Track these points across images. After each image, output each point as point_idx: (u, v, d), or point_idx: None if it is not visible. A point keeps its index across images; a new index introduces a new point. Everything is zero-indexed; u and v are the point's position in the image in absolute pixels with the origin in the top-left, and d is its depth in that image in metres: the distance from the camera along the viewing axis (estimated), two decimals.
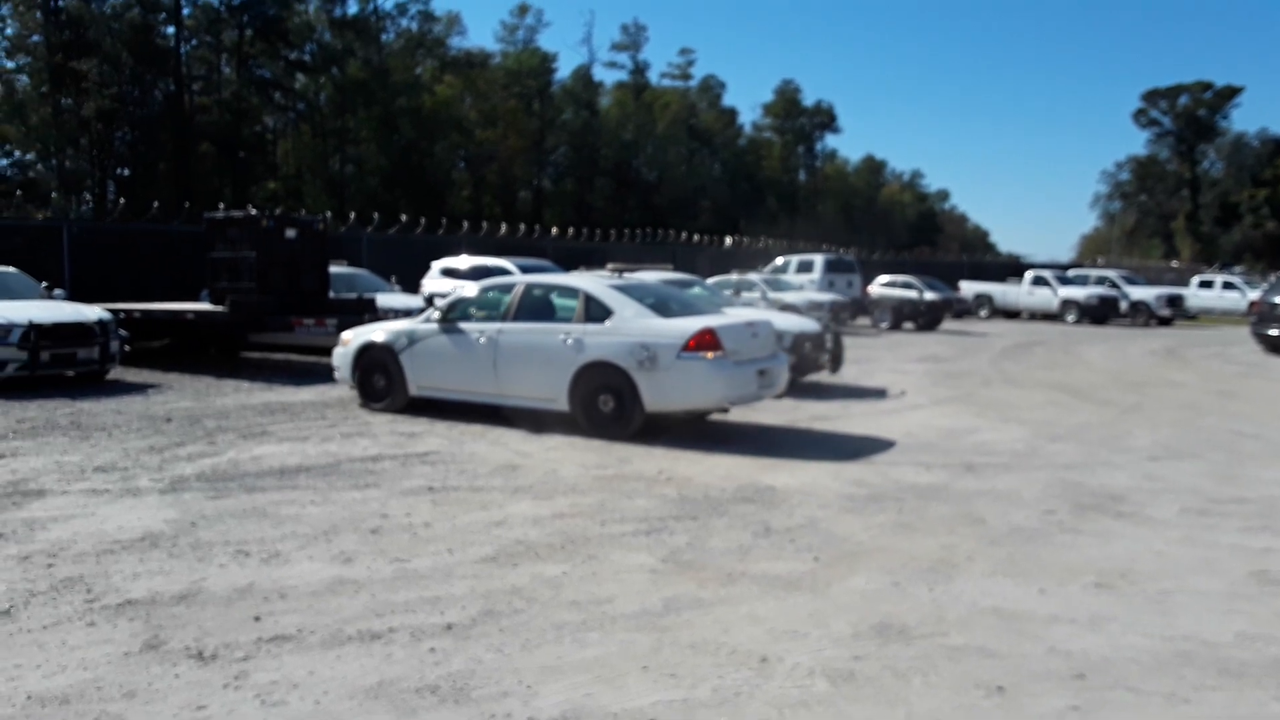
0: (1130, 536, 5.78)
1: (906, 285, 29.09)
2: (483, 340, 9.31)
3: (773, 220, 73.83)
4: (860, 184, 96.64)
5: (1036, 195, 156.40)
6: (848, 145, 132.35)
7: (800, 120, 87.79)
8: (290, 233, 14.14)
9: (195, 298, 16.32)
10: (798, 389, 12.26)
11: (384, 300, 15.13)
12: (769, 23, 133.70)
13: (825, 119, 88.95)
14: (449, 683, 3.66)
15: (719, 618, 4.38)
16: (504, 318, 9.38)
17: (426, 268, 20.51)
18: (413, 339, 9.78)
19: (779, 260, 30.58)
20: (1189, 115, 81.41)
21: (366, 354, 10.08)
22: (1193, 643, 4.14)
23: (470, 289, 10.21)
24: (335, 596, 4.59)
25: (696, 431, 9.12)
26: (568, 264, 22.70)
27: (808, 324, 13.18)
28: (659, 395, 8.52)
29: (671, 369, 8.37)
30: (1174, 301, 33.02)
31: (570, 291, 9.33)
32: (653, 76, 78.59)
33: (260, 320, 13.88)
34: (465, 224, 33.73)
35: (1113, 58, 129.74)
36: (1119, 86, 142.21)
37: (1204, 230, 78.09)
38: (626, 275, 13.86)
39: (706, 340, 8.43)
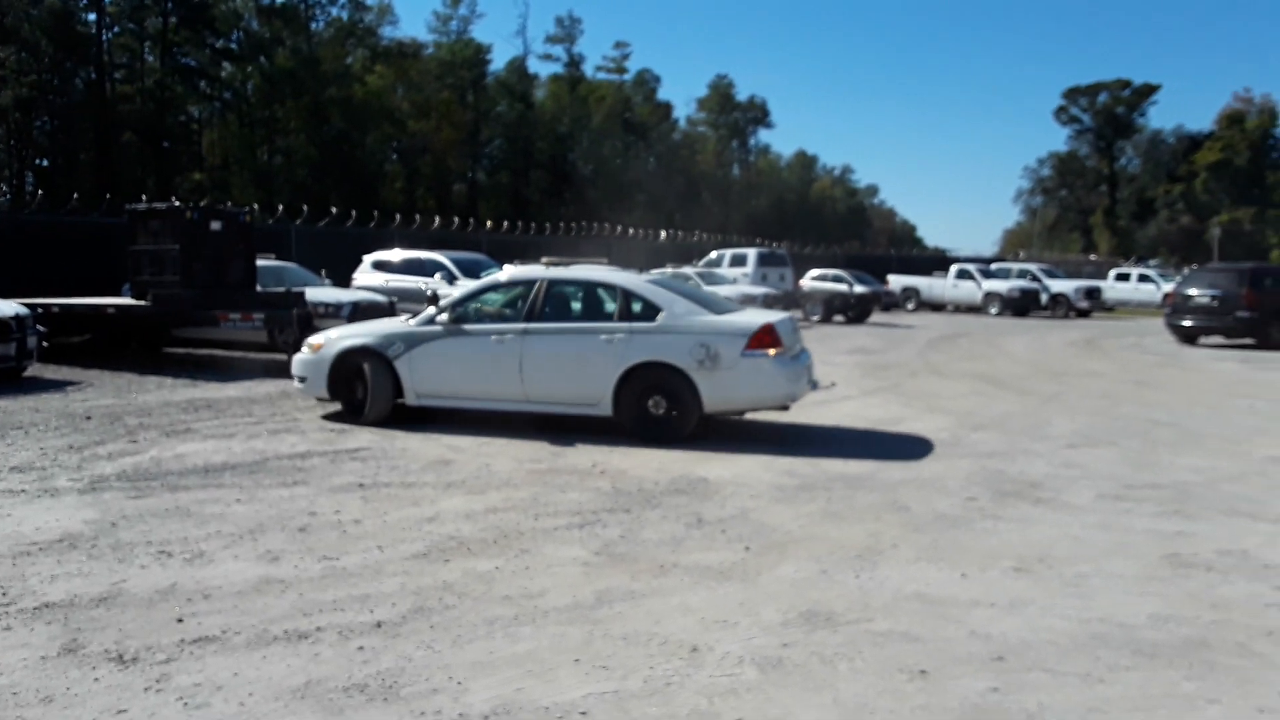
0: (1048, 522, 5.96)
1: (837, 279, 29.53)
2: (504, 342, 8.61)
3: (707, 214, 74.30)
4: (792, 179, 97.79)
5: (962, 190, 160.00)
6: (780, 140, 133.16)
7: (734, 115, 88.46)
8: (215, 225, 13.81)
9: (117, 292, 15.85)
10: None
11: (314, 294, 14.85)
12: (703, 17, 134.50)
13: (758, 114, 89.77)
14: (378, 681, 3.62)
15: (651, 609, 4.42)
16: (527, 318, 8.68)
17: (358, 261, 20.18)
18: (411, 343, 8.85)
19: (713, 254, 30.82)
20: (1108, 113, 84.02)
21: (345, 361, 9.03)
22: (1108, 624, 4.29)
23: (473, 287, 9.43)
24: (261, 596, 4.51)
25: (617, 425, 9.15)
26: (503, 257, 22.57)
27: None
28: (720, 395, 8.22)
29: (735, 367, 8.10)
30: (1092, 294, 34.27)
31: (603, 288, 8.94)
32: (588, 69, 78.45)
33: (184, 314, 13.55)
34: (398, 217, 33.24)
35: (1036, 56, 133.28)
36: (1042, 84, 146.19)
37: (1122, 225, 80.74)
38: (560, 269, 13.87)
39: (768, 337, 8.21)
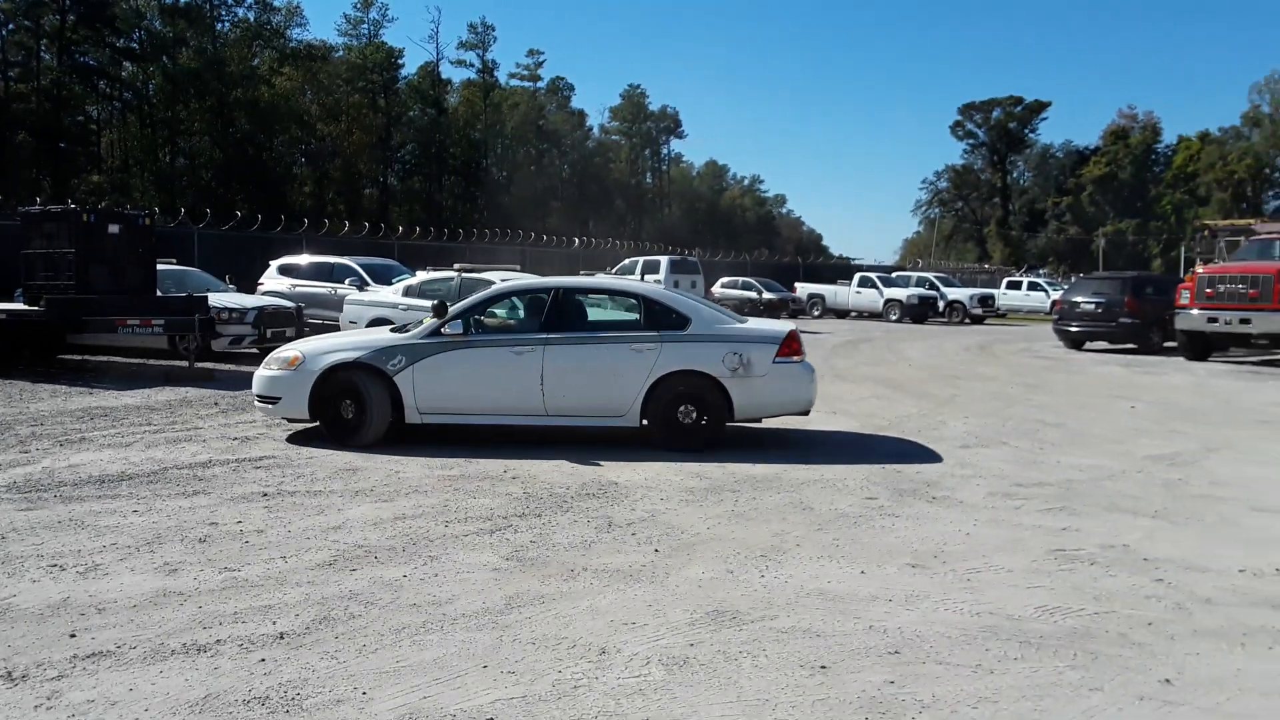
0: (943, 519, 6.19)
1: (746, 286, 30.04)
2: (522, 354, 8.29)
3: (620, 221, 74.66)
4: (703, 187, 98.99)
5: (866, 201, 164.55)
6: (692, 150, 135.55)
7: (647, 124, 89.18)
8: (113, 228, 13.37)
9: (9, 296, 15.14)
10: None
11: (217, 299, 14.46)
12: (616, 28, 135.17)
13: (670, 123, 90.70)
14: (279, 693, 3.57)
15: (560, 612, 4.45)
16: (543, 328, 8.42)
17: (264, 266, 19.71)
18: (415, 356, 8.26)
19: (626, 261, 30.97)
20: (1001, 128, 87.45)
21: (332, 378, 8.27)
22: (998, 617, 4.48)
23: (481, 295, 8.89)
24: (158, 609, 4.39)
25: (540, 433, 9.16)
26: (415, 263, 22.33)
27: None
28: (752, 401, 8.30)
29: (767, 374, 8.24)
30: (986, 301, 35.83)
31: (625, 296, 9.02)
32: (501, 76, 78.14)
33: (79, 320, 13.04)
34: (306, 221, 32.54)
35: (934, 73, 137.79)
36: (939, 100, 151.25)
37: (1014, 235, 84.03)
38: (471, 275, 13.79)
39: (796, 344, 8.45)
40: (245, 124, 55.11)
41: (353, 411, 8.29)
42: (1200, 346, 18.38)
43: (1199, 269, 19.55)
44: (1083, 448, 8.84)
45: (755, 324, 8.98)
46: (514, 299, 9.03)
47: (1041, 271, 58.11)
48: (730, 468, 7.62)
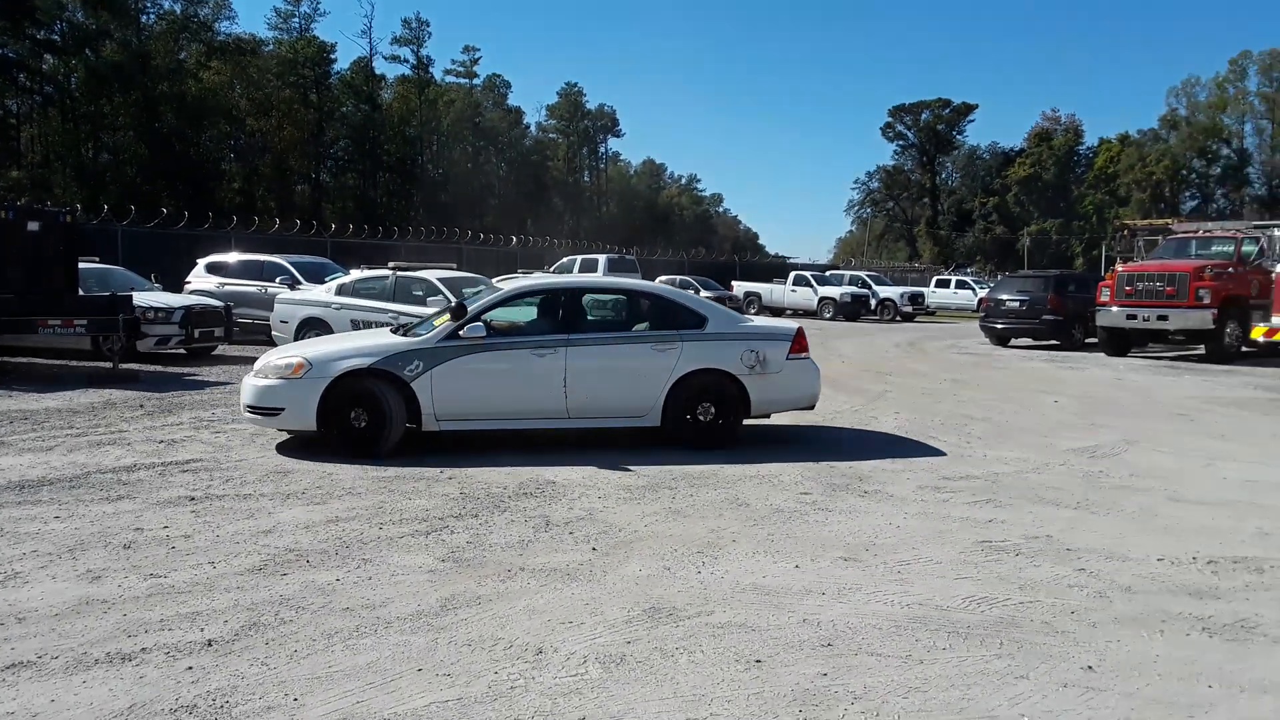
0: (874, 513, 6.31)
1: (684, 285, 30.18)
2: (544, 356, 8.11)
3: (558, 220, 74.40)
4: (641, 186, 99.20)
5: (801, 200, 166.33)
6: (629, 148, 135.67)
7: (584, 123, 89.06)
8: (33, 225, 12.91)
9: None
10: None
11: (142, 299, 14.07)
12: (553, 26, 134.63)
13: (608, 122, 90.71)
14: (208, 701, 3.50)
15: (497, 613, 4.43)
16: (564, 329, 8.32)
17: (192, 264, 19.22)
18: (433, 361, 7.88)
19: (564, 260, 30.94)
20: (930, 130, 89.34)
21: (343, 386, 7.77)
22: (927, 607, 4.59)
23: (494, 296, 8.58)
24: (81, 617, 4.27)
25: (480, 434, 9.10)
26: (349, 261, 21.96)
27: None
28: (767, 397, 8.47)
29: (782, 370, 8.45)
30: (916, 299, 36.66)
31: (641, 296, 9.07)
32: (436, 73, 77.25)
33: None
34: (235, 218, 31.80)
35: (867, 75, 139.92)
36: (871, 102, 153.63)
37: (943, 234, 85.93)
38: (407, 274, 13.64)
39: (804, 341, 8.76)
40: (172, 119, 53.67)
41: (365, 421, 7.80)
42: (1120, 342, 18.98)
43: (1119, 267, 20.16)
44: (1007, 441, 9.07)
45: (763, 322, 9.23)
46: (532, 300, 8.82)
47: (969, 270, 59.55)
48: (667, 465, 7.66)
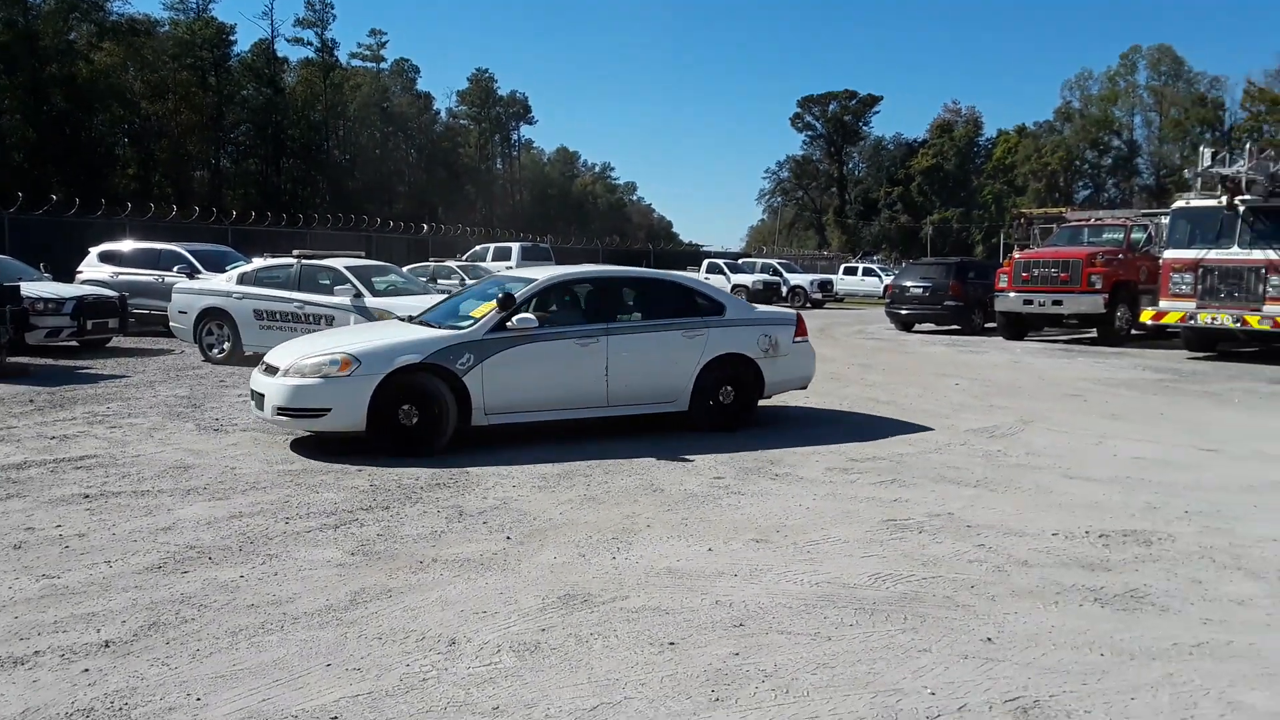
0: (785, 495, 6.43)
1: None
2: (587, 345, 8.13)
3: (470, 207, 73.45)
4: (555, 174, 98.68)
5: (713, 189, 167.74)
6: (542, 136, 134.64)
7: (496, 109, 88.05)
8: None
9: None
10: None
11: (31, 289, 13.40)
12: (462, 10, 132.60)
13: (520, 109, 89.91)
14: (105, 704, 3.37)
15: (409, 605, 4.37)
16: (602, 319, 8.34)
17: (84, 253, 18.40)
18: (483, 353, 7.69)
19: (477, 248, 30.62)
20: (837, 120, 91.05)
21: (393, 382, 7.41)
22: (835, 585, 4.70)
23: (533, 287, 8.35)
24: None
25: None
26: (251, 249, 21.30)
27: None
28: (776, 379, 8.98)
29: (789, 353, 8.99)
30: (825, 286, 37.50)
31: (667, 285, 9.19)
32: (342, 56, 75.35)
33: None
34: (130, 205, 30.54)
35: (778, 65, 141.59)
36: (782, 92, 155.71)
37: (850, 223, 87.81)
38: (312, 262, 13.29)
39: (804, 325, 9.40)
40: (61, 102, 51.16)
41: (416, 418, 7.51)
42: (1017, 327, 19.69)
43: (1016, 255, 20.89)
44: (910, 423, 9.33)
45: (768, 309, 9.76)
46: (567, 288, 8.73)
47: (875, 258, 61.04)
48: (583, 452, 7.65)
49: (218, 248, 20.06)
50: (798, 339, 9.16)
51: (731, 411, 8.75)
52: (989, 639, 4.05)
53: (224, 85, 64.00)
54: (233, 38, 65.22)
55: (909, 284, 22.70)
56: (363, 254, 17.03)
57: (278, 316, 12.79)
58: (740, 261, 40.51)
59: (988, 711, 3.40)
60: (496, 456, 7.49)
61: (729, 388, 8.72)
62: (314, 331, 12.37)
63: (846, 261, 51.71)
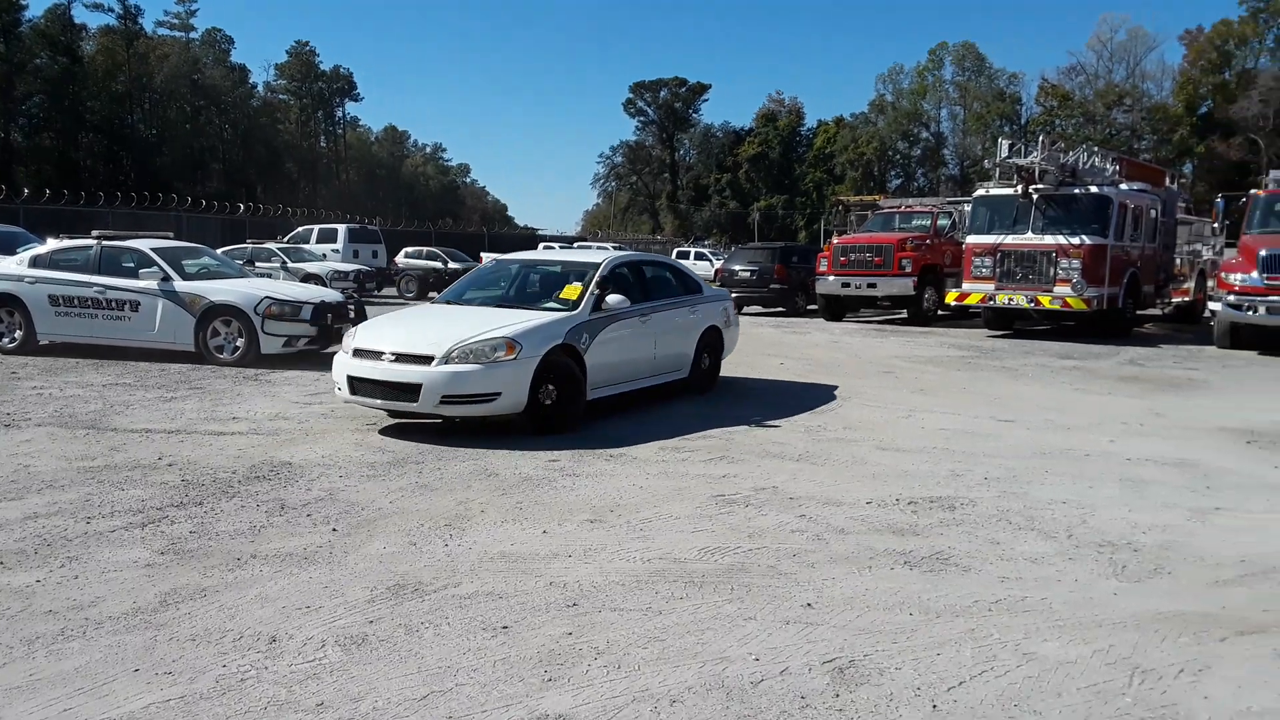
0: (619, 475, 6.52)
1: (431, 256, 29.49)
2: (645, 322, 9.01)
3: (293, 187, 70.28)
4: (383, 154, 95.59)
5: (549, 172, 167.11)
6: (369, 114, 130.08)
7: (318, 85, 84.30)
8: None
9: None
10: (321, 361, 11.93)
11: None
12: None
13: (345, 85, 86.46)
14: None
15: (225, 604, 4.17)
16: (644, 297, 9.16)
17: None
18: (594, 332, 8.25)
19: (299, 230, 29.31)
20: (668, 107, 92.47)
21: (545, 363, 7.66)
22: (666, 561, 4.81)
23: (605, 270, 8.81)
24: None
25: (207, 414, 8.50)
26: (47, 231, 19.59)
27: (329, 294, 12.86)
28: (729, 346, 10.70)
29: (734, 324, 10.76)
30: None
31: (667, 267, 10.52)
32: (147, 24, 70.34)
33: None
34: None
35: (612, 50, 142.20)
36: (617, 76, 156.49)
37: (682, 208, 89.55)
38: (114, 243, 12.36)
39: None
40: None
41: (553, 397, 7.80)
42: (836, 308, 20.64)
43: (834, 240, 21.85)
44: (740, 401, 9.64)
45: (717, 289, 11.25)
46: (618, 272, 9.14)
47: (706, 242, 62.53)
48: (414, 440, 7.49)
49: (8, 228, 18.47)
50: (735, 312, 10.91)
51: (711, 375, 10.26)
52: (809, 604, 4.25)
53: (14, 53, 58.54)
54: (24, 2, 59.73)
55: (737, 268, 23.35)
56: (171, 235, 15.98)
57: (76, 302, 11.85)
58: (576, 245, 40.54)
59: (808, 673, 3.57)
60: (321, 446, 7.23)
61: (706, 355, 10.06)
62: (120, 318, 11.59)
63: (679, 246, 52.68)
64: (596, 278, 8.62)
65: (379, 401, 7.70)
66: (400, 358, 7.53)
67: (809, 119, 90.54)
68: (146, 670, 3.52)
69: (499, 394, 7.48)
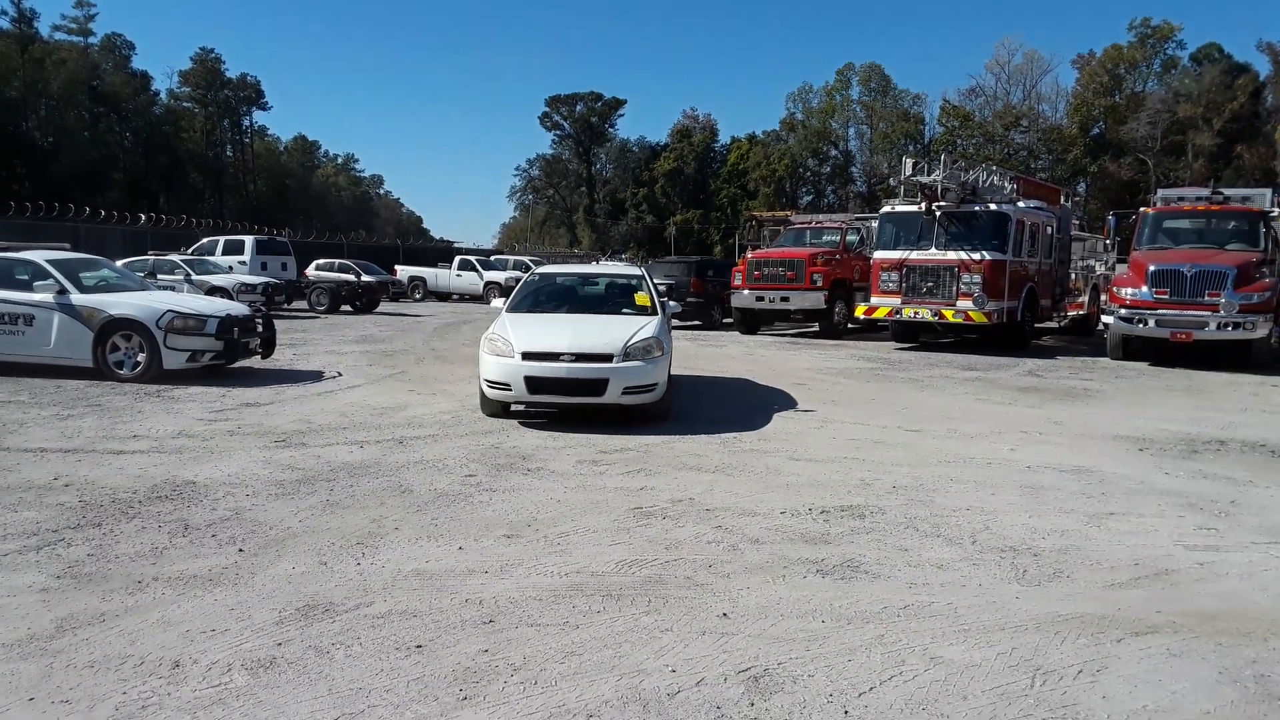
0: (537, 489, 6.49)
1: (344, 269, 28.98)
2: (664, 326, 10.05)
3: (198, 197, 68.20)
4: (292, 164, 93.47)
5: (465, 185, 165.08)
6: (278, 123, 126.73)
7: (224, 92, 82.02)
8: None
9: None
10: (227, 376, 11.60)
11: None
12: None
13: (252, 93, 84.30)
14: None
15: (125, 629, 4.01)
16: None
17: None
18: (666, 331, 9.67)
19: (204, 241, 28.49)
20: (585, 121, 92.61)
21: None
22: (584, 575, 4.80)
23: (643, 280, 10.80)
24: None
25: (106, 432, 8.17)
26: None
27: (236, 307, 12.50)
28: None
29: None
30: None
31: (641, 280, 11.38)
32: (43, 28, 67.46)
33: None
34: None
35: (527, 63, 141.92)
36: (533, 89, 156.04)
37: (599, 222, 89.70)
38: (7, 255, 11.81)
39: None
40: None
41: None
42: (751, 321, 20.96)
43: (749, 254, 22.19)
44: (657, 415, 9.68)
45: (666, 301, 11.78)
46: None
47: (624, 256, 62.68)
48: (325, 457, 7.34)
49: None
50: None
51: None
52: (725, 614, 4.30)
53: None
54: None
55: (654, 281, 23.46)
56: (68, 246, 15.35)
57: None
58: (493, 259, 40.27)
59: (723, 683, 3.62)
60: (226, 465, 7.02)
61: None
62: (13, 333, 11.07)
63: (597, 259, 52.80)
64: (658, 287, 10.21)
65: (559, 398, 8.79)
66: (580, 357, 8.57)
67: (723, 135, 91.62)
68: (42, 699, 3.37)
69: (656, 385, 8.86)
